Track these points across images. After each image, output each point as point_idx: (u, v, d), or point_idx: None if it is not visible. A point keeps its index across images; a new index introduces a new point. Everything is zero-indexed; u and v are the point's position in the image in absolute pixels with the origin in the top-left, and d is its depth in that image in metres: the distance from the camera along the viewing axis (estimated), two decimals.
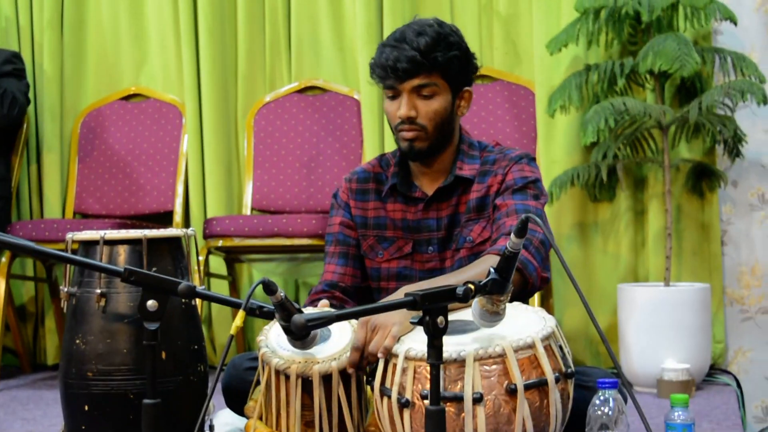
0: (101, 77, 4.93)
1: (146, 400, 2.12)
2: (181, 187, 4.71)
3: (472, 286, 2.09)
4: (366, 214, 2.82)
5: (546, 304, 4.31)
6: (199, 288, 2.21)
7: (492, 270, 2.15)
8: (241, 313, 2.02)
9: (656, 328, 3.87)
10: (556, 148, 4.35)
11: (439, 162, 2.76)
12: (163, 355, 2.37)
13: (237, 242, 4.14)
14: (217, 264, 4.57)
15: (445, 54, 2.64)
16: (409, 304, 2.01)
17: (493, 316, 2.25)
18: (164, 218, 4.74)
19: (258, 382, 2.44)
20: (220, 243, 4.17)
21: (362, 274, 2.81)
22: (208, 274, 4.51)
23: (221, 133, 4.70)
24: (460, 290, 2.04)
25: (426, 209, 2.76)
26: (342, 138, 4.61)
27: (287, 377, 2.33)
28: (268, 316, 2.20)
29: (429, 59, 2.62)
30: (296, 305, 2.22)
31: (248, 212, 4.59)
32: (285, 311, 2.18)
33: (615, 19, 4.10)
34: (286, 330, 2.24)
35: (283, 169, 4.63)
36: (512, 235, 2.10)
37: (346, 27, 4.67)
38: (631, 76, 4.12)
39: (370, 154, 4.44)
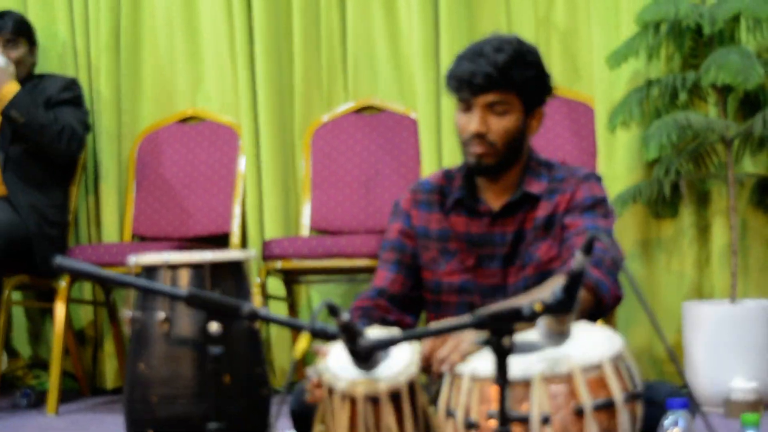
0: (158, 100, 4.99)
1: (211, 425, 2.14)
2: (238, 208, 4.75)
3: (539, 306, 2.09)
4: (429, 225, 2.82)
5: (610, 323, 4.29)
6: (262, 310, 2.23)
7: (559, 288, 2.15)
8: (306, 336, 2.03)
9: (723, 346, 3.85)
10: (617, 164, 4.33)
11: (507, 178, 2.75)
12: (227, 379, 2.39)
13: (296, 263, 4.17)
14: (276, 286, 4.60)
15: (522, 73, 2.64)
16: (476, 324, 2.01)
17: (559, 335, 2.24)
18: (221, 240, 4.77)
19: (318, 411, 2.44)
20: (279, 265, 4.19)
21: (412, 284, 2.81)
22: (267, 296, 4.53)
23: (278, 154, 4.73)
24: (526, 310, 2.04)
25: (492, 224, 2.76)
26: (400, 157, 4.63)
27: (353, 400, 2.34)
28: (332, 338, 2.20)
29: (505, 76, 2.62)
30: (359, 326, 2.23)
31: (306, 233, 4.61)
32: (350, 333, 2.19)
33: (676, 33, 4.09)
34: (352, 353, 2.24)
35: (341, 189, 4.65)
36: (578, 253, 2.10)
37: (403, 45, 4.69)
38: (693, 90, 4.10)
39: (428, 173, 4.45)
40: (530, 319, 2.05)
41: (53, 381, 4.31)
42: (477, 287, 2.76)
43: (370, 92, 4.74)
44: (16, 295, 4.98)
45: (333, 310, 2.16)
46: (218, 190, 4.80)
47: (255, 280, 2.70)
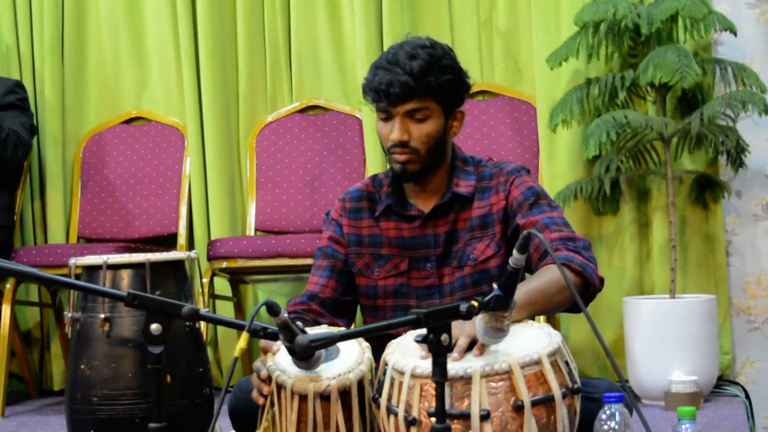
0: (103, 102, 4.94)
1: (152, 425, 2.12)
2: (184, 209, 4.72)
3: (476, 303, 2.09)
4: (360, 232, 2.82)
5: (552, 318, 4.30)
6: (203, 311, 2.21)
7: (495, 286, 2.16)
8: (245, 335, 2.02)
9: (663, 340, 3.87)
10: (558, 162, 4.35)
11: (434, 181, 2.76)
12: (168, 378, 2.38)
13: (241, 263, 4.15)
14: (222, 286, 4.58)
15: (438, 78, 2.63)
16: (413, 322, 2.01)
17: (498, 332, 2.25)
18: (168, 241, 4.74)
19: (263, 407, 2.43)
20: (225, 265, 4.17)
21: (344, 289, 2.81)
22: (213, 296, 4.52)
23: (223, 155, 4.71)
24: (463, 307, 2.04)
25: (423, 226, 2.76)
26: (344, 157, 4.62)
27: (302, 397, 2.33)
28: (272, 338, 2.20)
29: (422, 84, 2.61)
30: (300, 326, 2.23)
31: (252, 233, 4.59)
32: (289, 332, 2.18)
33: (615, 32, 4.11)
34: (290, 351, 2.23)
35: (286, 189, 4.63)
36: (515, 251, 2.11)
37: (346, 46, 4.68)
38: (632, 89, 4.13)
39: (372, 171, 4.44)
40: (467, 316, 2.05)
41: (0, 383, 4.26)
42: (412, 290, 2.77)
43: (314, 93, 4.72)
44: None
45: (272, 310, 2.16)
46: (164, 192, 4.76)
47: (200, 280, 2.66)
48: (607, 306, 4.34)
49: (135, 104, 4.93)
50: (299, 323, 2.24)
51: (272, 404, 2.37)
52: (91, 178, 4.85)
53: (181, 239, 4.69)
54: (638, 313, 3.93)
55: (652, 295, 4.22)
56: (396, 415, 2.27)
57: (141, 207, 4.77)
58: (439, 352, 2.01)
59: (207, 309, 2.55)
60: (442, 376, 2.01)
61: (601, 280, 2.59)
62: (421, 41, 2.68)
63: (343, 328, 2.48)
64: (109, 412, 2.36)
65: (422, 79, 2.60)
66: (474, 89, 4.50)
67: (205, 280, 4.20)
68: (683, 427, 2.49)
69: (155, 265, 2.41)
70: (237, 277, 4.51)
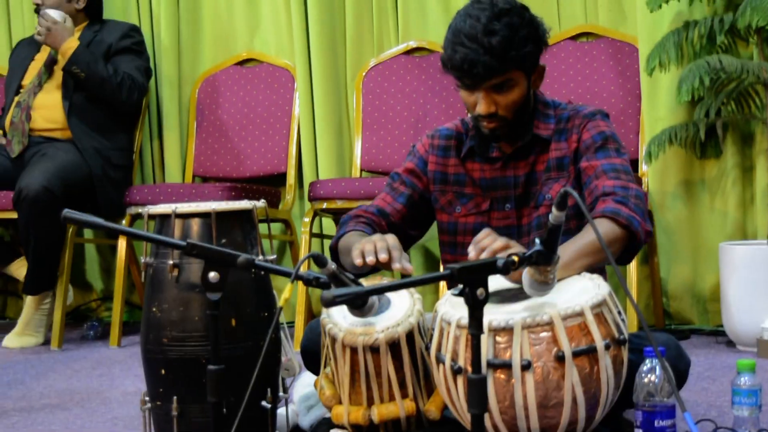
0: (216, 44, 5.10)
1: (210, 366, 2.24)
2: (293, 148, 4.84)
3: (516, 258, 2.13)
4: (446, 170, 2.88)
5: (651, 262, 4.30)
6: (259, 259, 2.32)
7: (537, 241, 2.20)
8: (289, 286, 2.10)
9: (757, 287, 3.84)
10: (659, 105, 4.29)
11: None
12: (233, 322, 2.49)
13: (340, 204, 4.26)
14: (329, 225, 4.71)
15: (519, 51, 2.60)
16: (447, 277, 2.06)
17: (542, 285, 2.30)
18: (278, 180, 4.88)
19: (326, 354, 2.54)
20: (324, 205, 4.28)
21: (411, 222, 2.88)
22: (321, 236, 4.65)
23: (331, 96, 4.81)
24: (500, 262, 2.08)
25: (504, 167, 2.80)
26: (448, 99, 4.66)
27: (353, 349, 2.43)
28: (324, 287, 2.28)
29: (503, 60, 2.59)
30: (349, 276, 2.32)
31: (358, 173, 4.69)
32: (338, 282, 2.28)
33: None
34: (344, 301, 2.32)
35: (391, 131, 4.71)
36: (553, 208, 2.14)
37: None
38: (734, 32, 4.04)
39: None
40: (504, 271, 2.09)
41: (115, 314, 4.49)
42: (491, 229, 2.81)
43: (420, 35, 4.77)
44: (88, 233, 5.17)
45: (319, 261, 2.25)
46: (274, 132, 4.89)
47: (268, 228, 2.77)
48: (708, 250, 4.31)
49: (247, 46, 5.06)
50: (349, 274, 2.33)
51: (335, 357, 2.49)
52: (205, 119, 5.02)
53: (290, 178, 4.82)
54: (734, 258, 3.90)
55: (750, 241, 4.16)
56: (443, 363, 2.34)
57: (252, 147, 4.91)
58: (475, 305, 2.07)
59: (273, 256, 2.68)
60: (478, 328, 2.06)
61: (647, 233, 2.59)
62: (497, 6, 2.62)
63: (384, 281, 2.55)
64: (178, 353, 2.49)
65: (504, 55, 2.58)
66: (577, 31, 4.53)
67: (307, 220, 4.33)
68: (742, 380, 2.51)
69: (221, 215, 2.52)
70: (339, 217, 4.61)
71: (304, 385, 2.93)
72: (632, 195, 2.60)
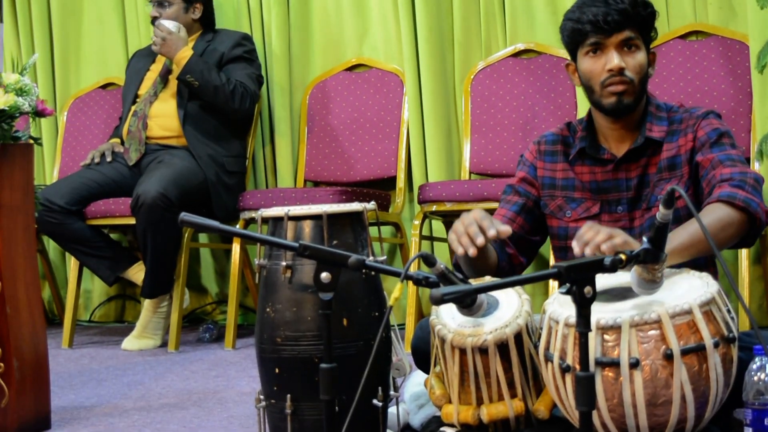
0: (326, 51, 5.18)
1: (323, 365, 2.31)
2: (403, 152, 4.90)
3: (624, 256, 2.15)
4: (555, 175, 2.92)
5: (764, 262, 4.25)
6: (370, 259, 2.38)
7: (645, 239, 2.22)
8: (399, 286, 2.15)
9: None
10: None
11: (629, 122, 2.82)
12: (345, 322, 2.55)
13: (449, 207, 4.29)
14: (439, 227, 4.75)
15: (645, 10, 2.75)
16: (554, 275, 2.09)
17: (650, 284, 2.31)
18: (388, 183, 4.95)
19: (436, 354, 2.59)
20: (434, 208, 4.33)
21: (530, 228, 2.94)
22: (431, 238, 4.70)
23: (440, 100, 4.85)
24: (608, 260, 2.11)
25: (615, 170, 2.83)
26: (556, 100, 4.67)
27: (462, 350, 2.47)
28: (434, 286, 2.33)
29: (636, 13, 2.72)
30: (458, 275, 2.36)
31: (467, 176, 4.73)
32: (447, 281, 2.32)
33: None
34: (455, 300, 2.36)
35: (500, 133, 4.73)
36: (661, 206, 2.16)
37: None
38: None
39: (583, 114, 4.46)
40: (611, 269, 2.11)
41: (230, 317, 4.59)
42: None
43: (527, 38, 4.79)
44: (203, 238, 5.30)
45: (428, 261, 2.30)
46: (384, 136, 4.96)
47: (378, 230, 2.83)
48: None
49: (356, 52, 5.13)
50: (457, 273, 2.37)
51: (444, 356, 2.53)
52: (316, 124, 5.10)
53: (400, 182, 4.87)
54: None
55: None
56: (552, 361, 2.37)
57: (362, 151, 4.98)
58: (582, 303, 2.09)
59: (384, 257, 2.73)
60: (586, 326, 2.09)
61: (766, 213, 2.60)
62: None
63: (493, 279, 2.59)
64: (291, 352, 2.56)
65: (635, 8, 2.72)
66: (686, 29, 4.50)
67: (417, 222, 4.38)
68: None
69: (332, 217, 2.58)
70: (450, 220, 4.66)
71: (414, 384, 2.97)
72: (750, 178, 2.62)
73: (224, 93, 4.69)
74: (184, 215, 2.34)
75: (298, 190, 4.69)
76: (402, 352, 2.87)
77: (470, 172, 4.74)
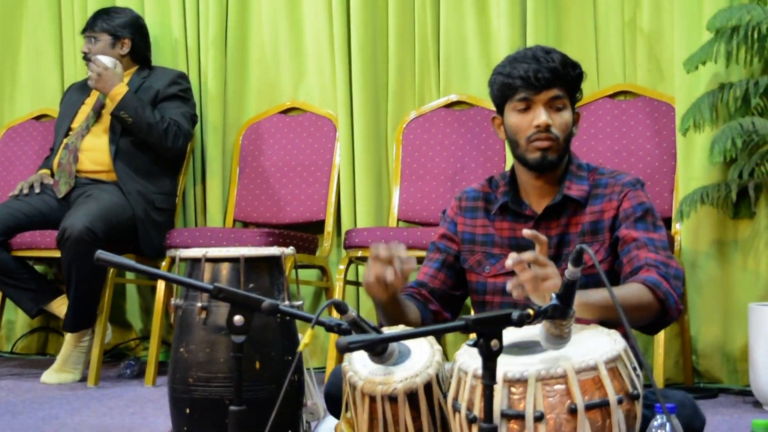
0: (262, 93, 5.21)
1: (232, 407, 2.31)
2: (333, 196, 4.93)
3: (532, 311, 2.19)
4: (474, 230, 2.95)
5: (681, 320, 4.32)
6: (284, 305, 2.39)
7: (553, 295, 2.26)
8: (309, 332, 2.17)
9: None
10: (694, 165, 4.33)
11: (551, 178, 2.86)
12: (258, 365, 2.56)
13: None
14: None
15: (573, 71, 2.81)
16: (461, 328, 2.12)
17: (558, 339, 2.34)
18: (316, 227, 4.97)
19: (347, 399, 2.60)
20: (360, 253, 4.36)
21: (453, 284, 2.97)
22: (356, 283, 4.72)
23: (372, 146, 4.90)
24: (515, 315, 2.14)
25: (536, 227, 2.86)
26: (486, 152, 4.73)
27: (372, 398, 2.49)
28: (346, 333, 2.35)
29: (564, 73, 2.78)
30: (370, 323, 2.38)
31: (395, 222, 4.77)
32: (359, 329, 2.34)
33: (753, 38, 4.07)
34: (365, 348, 2.39)
35: (429, 182, 4.79)
36: (569, 264, 2.20)
37: (492, 44, 4.79)
38: None
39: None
40: (518, 324, 2.15)
41: (152, 354, 4.57)
42: None
43: (460, 89, 4.85)
44: (129, 274, 5.27)
45: (339, 308, 2.32)
46: (314, 180, 4.99)
47: (296, 275, 2.85)
48: (739, 310, 4.31)
49: (292, 96, 5.17)
50: (370, 321, 2.39)
51: (354, 403, 2.54)
52: (248, 165, 5.12)
53: (329, 226, 4.90)
54: (763, 319, 3.91)
55: None
56: (459, 411, 2.39)
57: (293, 194, 5.01)
58: (488, 356, 2.13)
59: (300, 302, 2.75)
60: (491, 379, 2.13)
61: (679, 312, 2.68)
62: (545, 46, 2.85)
63: (405, 328, 2.61)
64: (202, 393, 2.57)
65: (564, 68, 2.78)
66: (615, 89, 4.60)
67: (342, 267, 4.41)
68: None
69: (250, 260, 2.61)
70: None
71: (326, 429, 2.98)
72: (672, 273, 2.68)
73: (157, 131, 4.69)
74: (100, 253, 2.34)
75: (226, 230, 4.70)
76: (317, 396, 2.88)
77: (398, 219, 4.79)
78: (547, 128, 2.78)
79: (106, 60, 4.75)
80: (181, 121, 4.79)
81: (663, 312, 2.64)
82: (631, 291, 2.61)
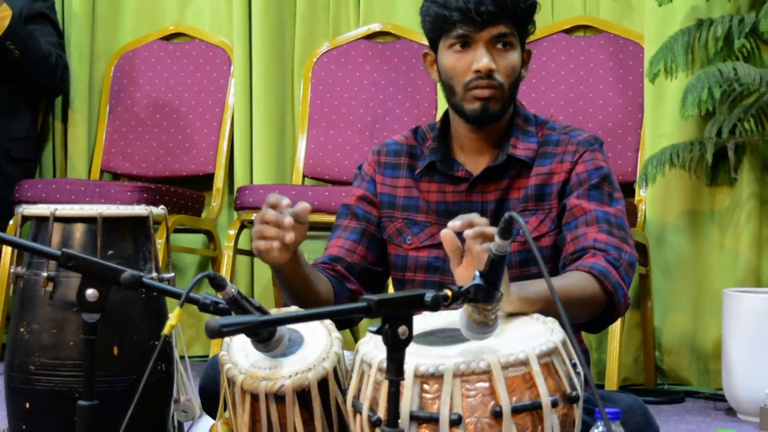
0: (139, 14, 5.19)
1: (81, 402, 2.30)
2: (225, 145, 4.92)
3: (449, 293, 2.20)
4: (395, 192, 2.92)
5: (644, 308, 4.38)
6: (148, 277, 2.38)
7: (477, 274, 2.27)
8: (177, 311, 2.17)
9: (765, 345, 3.90)
10: (665, 119, 4.37)
11: (492, 133, 2.83)
12: (115, 350, 2.55)
13: None
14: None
15: (524, 2, 2.74)
16: (363, 310, 2.12)
17: (482, 327, 2.35)
18: (204, 182, 4.95)
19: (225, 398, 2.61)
20: (254, 216, 4.33)
21: (375, 259, 2.92)
22: (250, 253, 4.71)
23: (274, 84, 4.89)
24: (428, 296, 2.15)
25: (470, 191, 2.85)
26: (413, 95, 4.74)
27: (254, 396, 2.49)
28: (224, 313, 2.35)
29: (514, 4, 2.72)
30: (254, 302, 2.38)
31: (300, 179, 4.77)
32: (240, 309, 2.34)
33: None
34: (248, 333, 2.39)
35: (343, 130, 4.79)
36: (496, 236, 2.21)
37: None
38: (757, 36, 4.13)
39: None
40: (433, 307, 2.16)
41: None
42: (447, 265, 2.86)
43: (385, 18, 4.85)
44: None
45: (216, 283, 2.32)
46: (203, 124, 4.97)
47: (166, 240, 2.84)
48: (713, 297, 4.36)
49: (176, 18, 5.15)
50: (255, 301, 2.39)
51: (233, 401, 2.55)
52: (120, 103, 5.09)
53: (218, 182, 4.89)
54: (739, 308, 3.95)
55: (764, 288, 4.23)
56: (361, 413, 2.41)
57: (175, 140, 4.98)
58: (395, 346, 2.14)
59: (172, 274, 2.74)
60: (398, 373, 2.13)
61: (627, 306, 2.69)
62: None
63: (297, 310, 2.61)
64: (46, 384, 2.55)
65: (510, 2, 2.71)
66: (573, 23, 4.61)
67: (233, 232, 4.40)
68: None
69: (109, 221, 2.58)
70: None
71: (204, 429, 2.99)
72: (625, 260, 2.67)
73: (46, 67, 4.63)
74: None
75: (90, 182, 4.67)
76: (192, 391, 2.88)
77: (303, 176, 4.78)
78: (489, 74, 2.74)
79: None
80: (60, 53, 4.74)
81: (610, 307, 2.66)
82: (575, 281, 2.59)
